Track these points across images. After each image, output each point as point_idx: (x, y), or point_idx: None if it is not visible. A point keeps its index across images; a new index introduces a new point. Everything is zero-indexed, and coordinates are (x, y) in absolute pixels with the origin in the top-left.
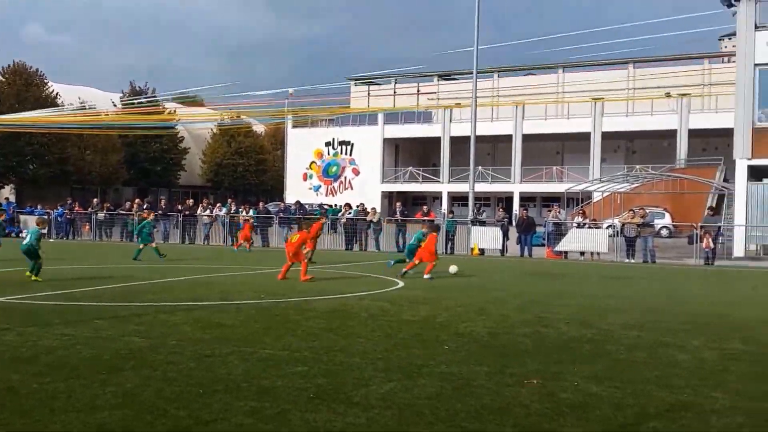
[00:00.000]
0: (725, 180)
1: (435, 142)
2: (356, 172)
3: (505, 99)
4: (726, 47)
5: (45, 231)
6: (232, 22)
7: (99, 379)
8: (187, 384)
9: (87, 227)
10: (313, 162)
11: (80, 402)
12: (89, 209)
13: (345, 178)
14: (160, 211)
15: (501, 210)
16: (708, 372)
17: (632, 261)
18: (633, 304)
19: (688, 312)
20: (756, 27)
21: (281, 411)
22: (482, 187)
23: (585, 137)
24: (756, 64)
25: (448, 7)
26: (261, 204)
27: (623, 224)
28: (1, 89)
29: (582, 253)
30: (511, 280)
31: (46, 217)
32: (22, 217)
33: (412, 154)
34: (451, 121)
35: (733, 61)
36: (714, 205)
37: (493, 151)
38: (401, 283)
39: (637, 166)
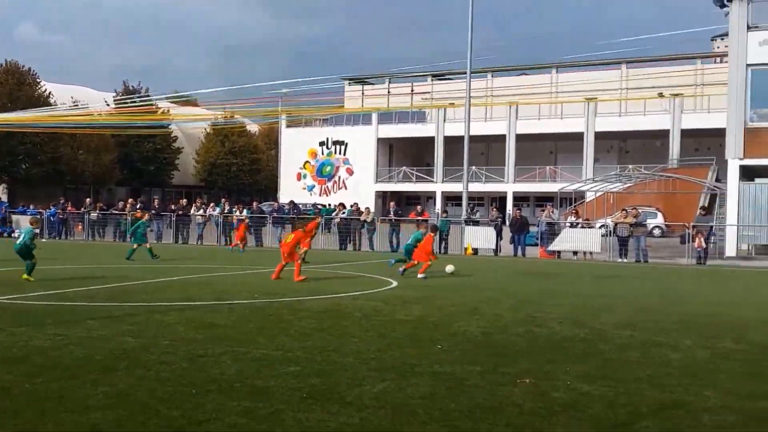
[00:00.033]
0: (717, 180)
1: (429, 141)
2: (350, 172)
3: (499, 99)
4: (718, 47)
5: (38, 230)
6: (229, 21)
7: (91, 379)
8: (180, 384)
9: (80, 227)
10: (307, 162)
11: (72, 402)
12: (82, 209)
13: (339, 177)
14: (153, 211)
15: (494, 210)
16: (700, 371)
17: (625, 260)
18: (625, 304)
19: (680, 311)
20: (748, 27)
21: (274, 411)
22: (476, 187)
23: (578, 137)
24: (748, 65)
25: (448, 7)
26: (255, 204)
27: (616, 224)
28: None
29: (575, 253)
30: (505, 280)
31: (39, 216)
32: (14, 217)
33: (406, 153)
34: (444, 120)
35: (726, 62)
36: (706, 205)
37: (486, 150)
38: (395, 283)
39: (630, 166)
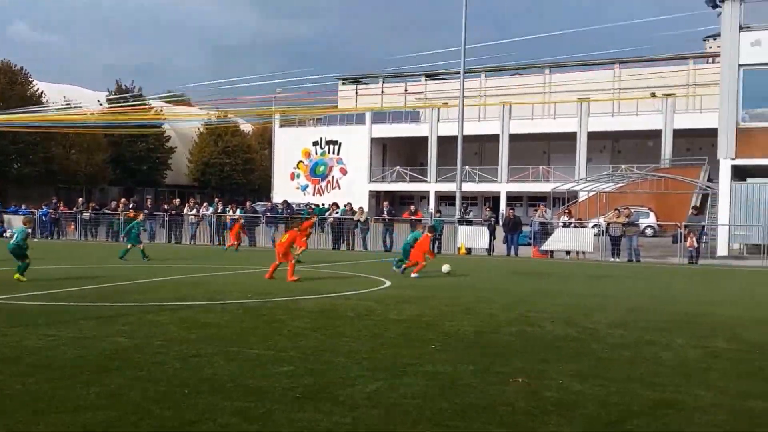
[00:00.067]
0: (709, 180)
1: (422, 141)
2: (344, 172)
3: (493, 99)
4: (711, 48)
5: (30, 230)
6: (223, 21)
7: (84, 379)
8: (172, 384)
9: (72, 227)
10: (300, 161)
11: (64, 403)
12: (74, 209)
13: (332, 177)
14: (146, 211)
15: (488, 209)
16: (691, 370)
17: (617, 260)
18: (618, 303)
19: (672, 311)
20: (740, 28)
21: (267, 411)
22: (469, 187)
23: (571, 137)
24: (740, 65)
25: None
26: (248, 203)
27: (608, 223)
28: None
29: (568, 252)
30: (498, 279)
31: (32, 216)
32: (6, 217)
33: (400, 153)
34: (438, 120)
35: (718, 62)
36: (698, 205)
37: (480, 150)
38: (388, 283)
39: (623, 166)
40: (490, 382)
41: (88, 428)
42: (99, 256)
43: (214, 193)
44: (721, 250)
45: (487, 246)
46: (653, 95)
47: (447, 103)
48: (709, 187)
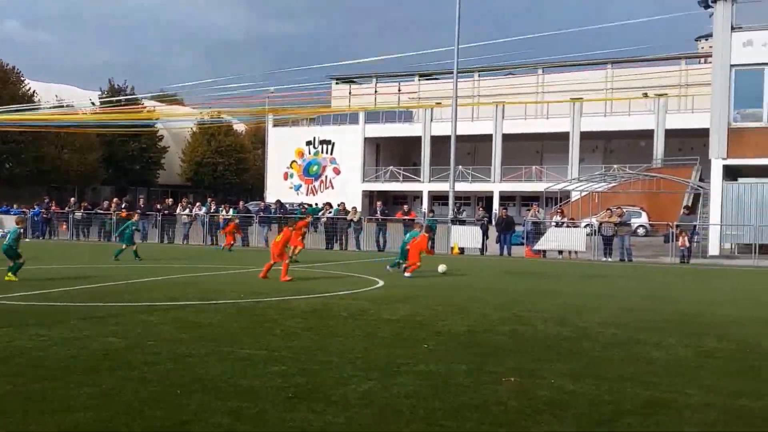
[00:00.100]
0: (701, 179)
1: (416, 141)
2: (337, 172)
3: (486, 99)
4: (703, 48)
5: (23, 230)
6: (215, 20)
7: (74, 380)
8: (164, 384)
9: (64, 226)
10: (293, 161)
11: (55, 403)
12: (66, 208)
13: (326, 177)
14: (138, 210)
15: (481, 209)
16: (683, 369)
17: (609, 259)
18: (610, 303)
19: (663, 310)
20: (732, 28)
21: (259, 411)
22: (462, 187)
23: (564, 137)
24: (732, 65)
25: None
26: (241, 203)
27: (601, 223)
28: None
29: (560, 252)
30: (490, 279)
31: (25, 216)
32: None
33: (393, 153)
34: (431, 120)
35: (710, 62)
36: (690, 204)
37: (473, 150)
38: (381, 283)
39: (615, 166)
40: (483, 381)
41: (80, 429)
42: (91, 256)
43: (207, 192)
44: (713, 249)
45: (480, 246)
46: (645, 95)
47: (440, 103)
48: (701, 187)
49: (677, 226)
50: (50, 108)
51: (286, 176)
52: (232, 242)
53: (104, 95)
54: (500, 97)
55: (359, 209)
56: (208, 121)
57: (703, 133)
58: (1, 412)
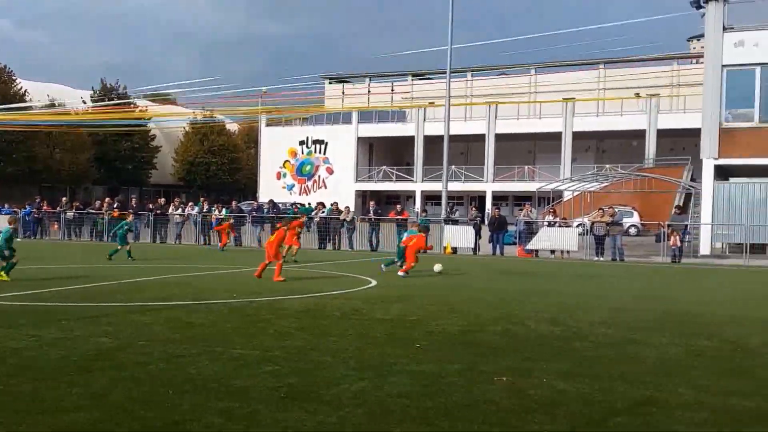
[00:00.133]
0: (692, 179)
1: (409, 141)
2: (330, 171)
3: (479, 99)
4: (695, 48)
5: (15, 228)
6: (209, 19)
7: (66, 380)
8: (156, 385)
9: (56, 226)
10: (286, 161)
11: (46, 403)
12: (58, 208)
13: (319, 177)
14: (130, 210)
15: (474, 209)
16: (674, 368)
17: (601, 259)
18: (601, 302)
19: (655, 309)
20: (724, 28)
21: (252, 411)
22: (455, 186)
23: (556, 137)
24: (723, 65)
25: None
26: (234, 203)
27: (593, 223)
28: None
29: (552, 252)
30: (483, 279)
31: (17, 215)
32: None
33: (386, 153)
34: (425, 120)
35: (702, 62)
36: (681, 204)
37: (466, 150)
38: (374, 282)
39: (607, 166)
40: (475, 380)
41: (72, 429)
42: (83, 256)
43: (200, 192)
44: (704, 249)
45: (472, 245)
46: (637, 95)
47: (433, 103)
48: (692, 187)
49: (669, 225)
50: (41, 106)
51: (279, 176)
52: (226, 242)
53: (96, 95)
54: (493, 97)
55: (352, 209)
56: (201, 121)
57: (694, 133)
58: None
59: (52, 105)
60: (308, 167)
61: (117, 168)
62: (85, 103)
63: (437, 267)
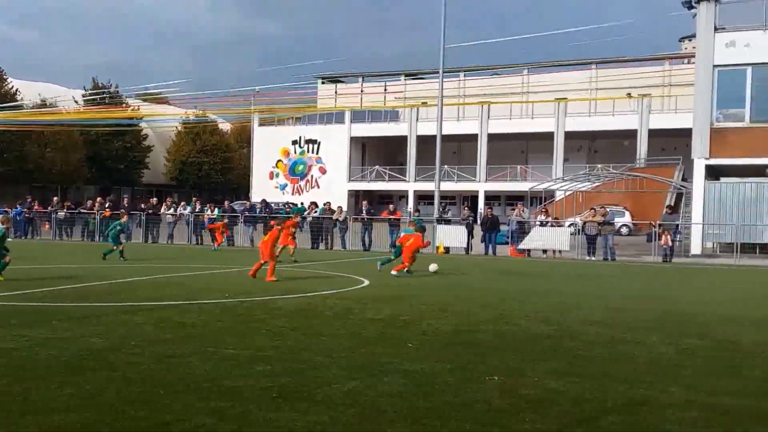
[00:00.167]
0: (683, 179)
1: (401, 140)
2: (323, 171)
3: (471, 99)
4: (686, 48)
5: (6, 228)
6: (202, 19)
7: (57, 380)
8: (147, 385)
9: (47, 226)
10: (279, 160)
11: (37, 404)
12: (49, 208)
13: (311, 176)
14: (123, 210)
15: (466, 208)
16: (664, 367)
17: (593, 258)
18: (593, 301)
19: (646, 308)
20: (715, 29)
21: (244, 411)
22: (448, 186)
23: (549, 137)
24: (715, 65)
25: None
26: (226, 203)
27: (584, 222)
28: None
29: (544, 251)
30: (475, 279)
31: (8, 215)
32: None
33: (379, 152)
34: (417, 120)
35: (693, 63)
36: (672, 204)
37: (458, 150)
38: (366, 282)
39: (599, 166)
40: (467, 380)
41: (62, 429)
42: (74, 256)
43: (192, 192)
44: (695, 248)
45: (465, 245)
46: (629, 95)
47: (426, 103)
48: (684, 187)
49: (660, 225)
50: (33, 107)
51: (271, 175)
52: (221, 242)
53: (88, 94)
54: (486, 97)
55: (345, 209)
56: (193, 120)
57: (686, 133)
58: None
59: (44, 104)
60: (301, 167)
61: (109, 168)
62: (76, 102)
63: (433, 266)
